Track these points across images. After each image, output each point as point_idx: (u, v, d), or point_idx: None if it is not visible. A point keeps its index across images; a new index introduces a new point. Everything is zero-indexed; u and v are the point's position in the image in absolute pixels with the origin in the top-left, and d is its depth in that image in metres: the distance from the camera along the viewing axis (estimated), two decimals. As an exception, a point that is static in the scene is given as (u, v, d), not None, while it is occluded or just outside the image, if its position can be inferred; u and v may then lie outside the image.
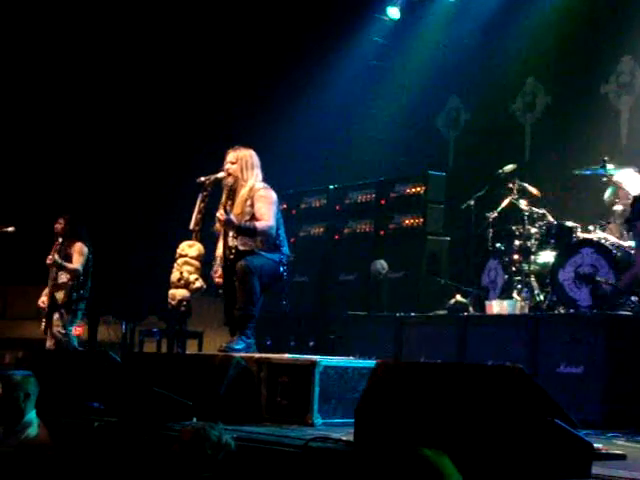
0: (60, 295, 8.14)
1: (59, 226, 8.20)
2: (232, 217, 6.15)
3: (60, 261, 8.07)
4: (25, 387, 5.18)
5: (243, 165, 6.31)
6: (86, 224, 8.43)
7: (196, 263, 6.45)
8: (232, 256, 6.26)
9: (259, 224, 6.18)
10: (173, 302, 6.43)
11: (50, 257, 8.05)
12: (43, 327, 8.13)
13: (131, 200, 11.60)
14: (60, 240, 8.14)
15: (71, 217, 8.29)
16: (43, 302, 8.19)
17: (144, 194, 11.62)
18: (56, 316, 8.11)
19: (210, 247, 6.56)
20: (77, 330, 11.37)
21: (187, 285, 6.39)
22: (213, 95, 11.51)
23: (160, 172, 11.56)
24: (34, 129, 11.15)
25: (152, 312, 10.34)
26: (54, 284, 8.13)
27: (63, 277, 8.15)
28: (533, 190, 7.91)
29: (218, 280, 6.39)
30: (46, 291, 8.21)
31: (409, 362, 6.03)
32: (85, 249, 8.23)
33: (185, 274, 6.38)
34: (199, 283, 6.42)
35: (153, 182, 11.58)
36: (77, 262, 8.16)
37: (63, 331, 8.10)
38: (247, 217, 6.23)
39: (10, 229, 8.06)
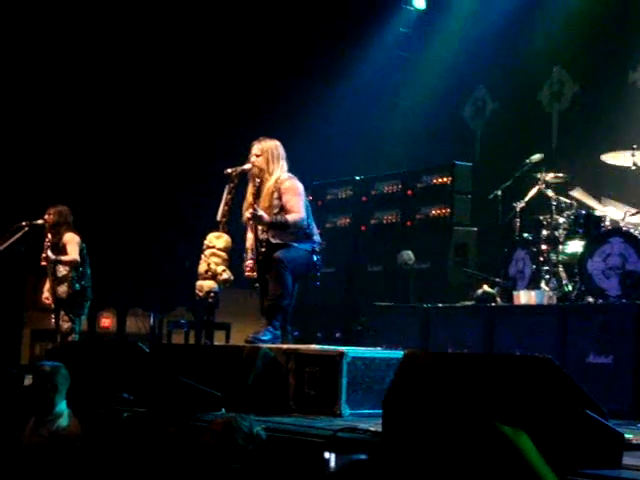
0: (63, 288, 7.93)
1: (49, 217, 7.98)
2: (262, 213, 6.17)
3: (54, 257, 7.84)
4: (55, 378, 5.24)
5: (269, 157, 6.33)
6: (75, 213, 8.20)
7: (223, 254, 6.46)
8: (264, 249, 6.30)
9: (290, 217, 6.21)
10: (201, 293, 6.45)
11: (44, 255, 7.82)
12: (53, 322, 7.94)
13: (158, 192, 11.63)
14: (50, 235, 7.91)
15: (60, 207, 8.08)
16: (47, 299, 7.99)
17: (171, 186, 11.65)
18: (62, 311, 7.91)
19: (237, 238, 6.57)
20: (105, 322, 11.50)
21: (214, 276, 6.40)
22: (240, 86, 11.51)
23: (187, 164, 11.58)
24: (58, 121, 11.18)
25: (180, 304, 10.41)
26: (54, 279, 7.91)
27: (62, 270, 7.93)
28: (561, 176, 7.85)
29: (249, 274, 6.41)
30: (47, 286, 8.01)
31: (437, 352, 6.01)
32: (77, 237, 8.00)
33: (212, 265, 6.39)
34: (226, 274, 6.43)
35: (180, 174, 11.61)
36: (73, 252, 7.93)
37: (72, 324, 7.93)
38: (276, 209, 6.26)
39: (40, 222, 8.04)
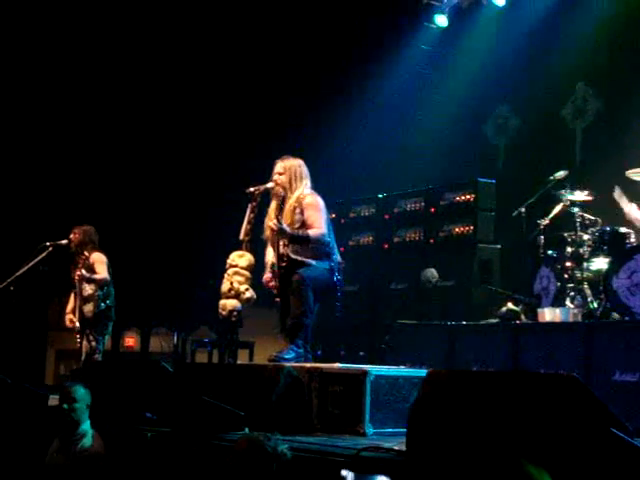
0: (89, 307, 7.96)
1: (74, 237, 8.03)
2: (285, 226, 6.17)
3: (88, 275, 7.89)
4: (80, 398, 5.25)
5: (292, 175, 6.33)
6: (100, 232, 8.25)
7: (246, 273, 6.47)
8: (284, 264, 6.29)
9: (312, 232, 6.21)
10: (224, 312, 6.46)
11: (78, 273, 7.83)
12: (78, 343, 7.95)
13: (181, 211, 11.68)
14: (76, 255, 7.95)
15: (85, 227, 8.13)
16: (71, 320, 8.00)
17: (195, 205, 11.70)
18: (88, 330, 7.94)
19: (260, 258, 6.58)
20: (129, 341, 11.53)
21: (237, 295, 6.42)
22: (264, 104, 11.56)
23: (210, 182, 11.63)
24: (83, 142, 11.27)
25: (204, 323, 10.42)
26: (81, 297, 7.91)
27: (88, 289, 7.96)
28: (586, 193, 7.81)
29: (272, 284, 6.40)
30: (70, 307, 8.07)
31: (461, 370, 5.97)
32: (104, 257, 8.06)
33: (235, 284, 6.40)
34: (249, 293, 6.44)
35: (203, 192, 11.66)
36: (103, 271, 7.99)
37: (96, 344, 7.94)
38: (297, 225, 6.26)
39: (64, 242, 8.10)
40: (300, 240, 6.23)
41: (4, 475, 5.75)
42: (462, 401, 3.97)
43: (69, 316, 8.09)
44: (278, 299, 6.40)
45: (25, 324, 10.48)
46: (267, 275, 6.45)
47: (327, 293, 6.40)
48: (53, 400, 6.10)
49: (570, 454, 3.47)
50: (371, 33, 11.47)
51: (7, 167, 10.83)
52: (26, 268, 7.96)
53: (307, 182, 6.38)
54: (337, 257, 6.42)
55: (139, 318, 10.52)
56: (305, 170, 6.41)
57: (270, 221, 6.32)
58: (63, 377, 10.13)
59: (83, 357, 7.94)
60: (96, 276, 7.97)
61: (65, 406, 5.25)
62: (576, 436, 3.47)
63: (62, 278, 8.26)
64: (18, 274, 7.91)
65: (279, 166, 6.40)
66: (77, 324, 7.96)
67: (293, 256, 6.26)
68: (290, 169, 6.36)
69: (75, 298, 8.06)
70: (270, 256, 6.47)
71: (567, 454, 3.47)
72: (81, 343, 7.95)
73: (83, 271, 7.87)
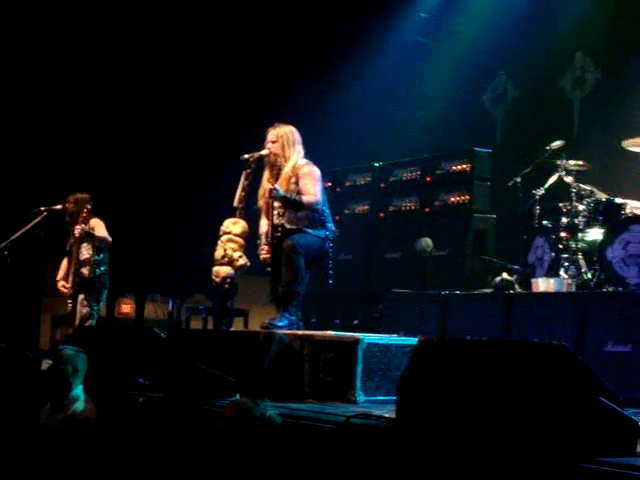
0: (85, 271, 7.90)
1: (69, 206, 7.96)
2: (278, 188, 6.17)
3: (88, 229, 7.78)
4: (74, 362, 5.25)
5: (284, 142, 6.33)
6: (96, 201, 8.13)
7: (240, 240, 6.45)
8: (278, 234, 6.30)
9: (305, 197, 6.21)
10: (217, 279, 6.45)
11: (78, 227, 7.73)
12: (70, 308, 7.91)
13: (175, 178, 11.65)
14: (69, 220, 7.90)
15: (80, 194, 8.02)
16: (64, 286, 7.97)
17: (188, 172, 11.67)
18: (82, 295, 7.90)
19: (254, 224, 6.57)
20: (125, 308, 11.54)
21: (231, 262, 6.40)
22: (259, 72, 11.49)
23: (204, 150, 11.59)
24: (80, 109, 11.23)
25: (199, 290, 10.43)
26: (76, 261, 7.86)
27: (85, 253, 7.91)
28: (581, 164, 7.78)
29: (265, 256, 6.40)
30: (62, 273, 8.04)
31: (451, 339, 5.97)
32: (102, 222, 7.98)
33: (229, 251, 6.38)
34: (243, 260, 6.42)
35: (197, 160, 11.63)
36: (103, 233, 7.93)
37: (90, 310, 7.90)
38: (292, 194, 6.25)
39: (58, 207, 8.05)
40: (292, 204, 6.23)
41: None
42: (453, 369, 3.97)
43: (61, 282, 8.07)
44: (269, 268, 6.40)
45: (20, 289, 10.48)
46: (263, 246, 6.43)
47: (319, 261, 6.42)
48: (46, 364, 6.12)
49: (559, 422, 3.48)
50: (368, 1, 11.38)
51: (2, 133, 10.78)
52: (20, 233, 7.93)
53: (300, 148, 6.38)
54: (332, 226, 6.43)
55: (134, 285, 10.52)
56: (297, 136, 6.40)
57: (264, 191, 6.32)
58: (59, 343, 10.14)
59: (77, 322, 7.94)
60: (98, 233, 7.88)
61: (58, 370, 5.25)
62: (565, 405, 3.48)
63: (57, 244, 8.22)
64: (12, 239, 7.88)
65: (271, 134, 6.39)
66: (69, 289, 7.93)
67: (288, 226, 6.27)
68: (282, 137, 6.35)
69: (68, 264, 8.03)
70: (264, 228, 6.46)
71: (556, 422, 3.48)
72: (74, 308, 7.92)
73: (83, 226, 7.77)
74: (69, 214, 8.00)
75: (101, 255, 8.04)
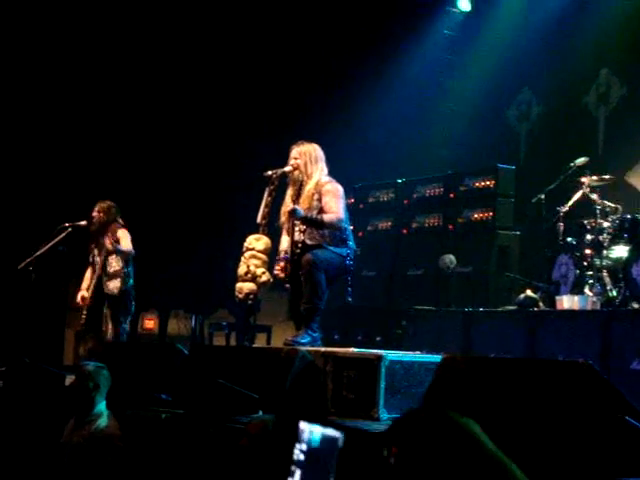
0: (116, 284, 7.84)
1: (97, 215, 7.95)
2: (298, 207, 6.17)
3: (117, 245, 7.76)
4: (96, 378, 5.26)
5: (307, 160, 6.33)
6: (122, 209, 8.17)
7: (263, 257, 6.45)
8: (298, 250, 6.28)
9: (327, 216, 6.19)
10: (240, 295, 6.45)
11: (109, 241, 7.72)
12: (83, 319, 7.87)
13: (199, 194, 11.69)
14: (94, 231, 7.89)
15: (108, 203, 8.04)
16: (83, 297, 7.92)
17: (212, 188, 11.70)
18: (107, 310, 7.84)
19: (277, 241, 6.57)
20: (148, 323, 11.56)
21: (254, 279, 6.40)
22: (284, 89, 11.53)
23: (228, 166, 11.63)
24: (103, 123, 11.29)
25: (222, 306, 10.43)
26: (105, 274, 7.82)
27: (115, 265, 7.86)
28: (607, 178, 7.74)
29: (277, 273, 6.37)
30: (85, 284, 7.98)
31: (475, 357, 5.95)
32: (129, 234, 7.95)
33: (252, 267, 6.39)
34: (266, 277, 6.42)
35: (221, 176, 11.66)
36: (129, 245, 7.90)
37: (121, 325, 7.84)
38: (315, 211, 6.24)
39: (83, 223, 8.08)
40: (313, 223, 6.21)
41: (20, 453, 5.80)
42: (477, 387, 3.95)
43: (82, 292, 8.01)
44: (288, 285, 6.38)
45: (44, 305, 10.52)
46: (280, 263, 6.38)
47: (339, 277, 6.39)
48: (70, 380, 6.13)
49: (585, 441, 3.45)
50: (393, 17, 11.40)
51: (25, 150, 10.86)
52: (45, 249, 7.97)
53: (323, 166, 6.37)
54: (352, 244, 6.41)
55: (158, 300, 10.55)
56: (320, 153, 6.40)
57: (286, 208, 6.32)
58: (82, 358, 10.17)
59: (108, 338, 7.82)
60: (124, 248, 7.85)
61: (82, 386, 5.26)
62: (591, 423, 3.45)
63: (81, 259, 8.25)
64: (37, 254, 7.92)
65: (295, 151, 6.40)
66: (87, 301, 7.87)
67: (309, 242, 6.24)
68: (305, 153, 6.35)
69: (91, 275, 8.01)
70: (284, 245, 6.46)
71: (581, 441, 3.45)
72: (87, 323, 7.86)
73: (107, 240, 7.75)
74: (97, 223, 7.98)
75: (130, 267, 8.01)
